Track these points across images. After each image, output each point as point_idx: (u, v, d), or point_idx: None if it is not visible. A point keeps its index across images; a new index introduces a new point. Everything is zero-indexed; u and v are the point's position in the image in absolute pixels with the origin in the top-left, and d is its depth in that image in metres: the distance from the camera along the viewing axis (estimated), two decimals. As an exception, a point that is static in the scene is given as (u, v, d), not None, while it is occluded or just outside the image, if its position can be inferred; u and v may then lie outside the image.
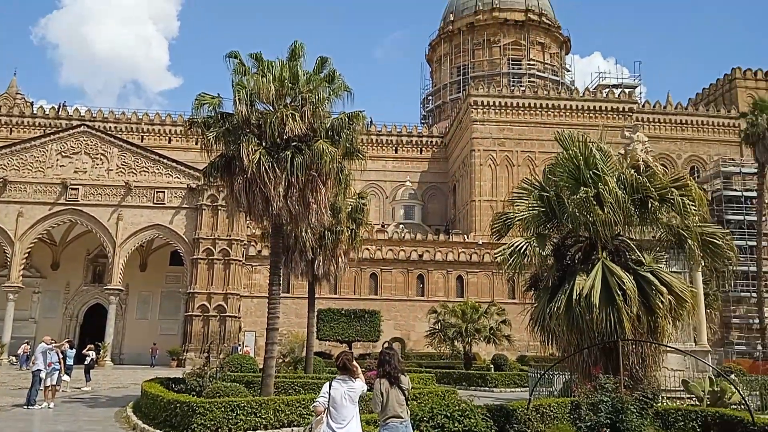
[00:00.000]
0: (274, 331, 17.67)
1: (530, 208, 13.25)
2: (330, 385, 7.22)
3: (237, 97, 15.22)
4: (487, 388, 27.79)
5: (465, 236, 52.47)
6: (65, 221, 40.04)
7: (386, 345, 37.90)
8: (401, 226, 57.62)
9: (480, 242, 49.20)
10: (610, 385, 10.63)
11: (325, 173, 15.52)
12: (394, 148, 65.74)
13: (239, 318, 41.54)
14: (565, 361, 14.01)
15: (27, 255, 39.45)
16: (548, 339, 13.89)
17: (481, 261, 48.70)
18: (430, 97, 74.91)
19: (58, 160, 39.83)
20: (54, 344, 19.23)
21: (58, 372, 18.63)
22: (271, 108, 15.77)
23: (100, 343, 36.17)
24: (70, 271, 44.37)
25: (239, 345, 39.64)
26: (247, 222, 39.53)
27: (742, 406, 14.87)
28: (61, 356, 19.24)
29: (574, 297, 12.15)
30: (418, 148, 66.50)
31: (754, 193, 48.88)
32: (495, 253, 13.88)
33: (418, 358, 40.00)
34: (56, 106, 62.94)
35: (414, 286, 49.08)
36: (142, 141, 57.73)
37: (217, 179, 17.06)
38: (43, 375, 17.72)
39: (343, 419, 7.01)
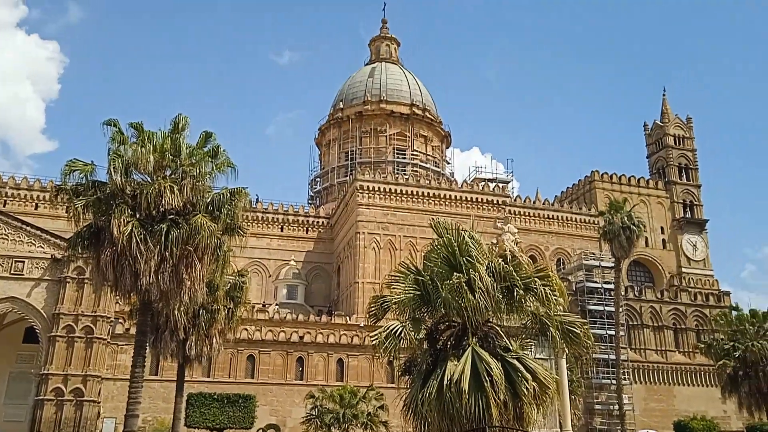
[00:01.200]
0: (134, 418, 16.37)
1: (406, 292, 13.53)
2: None
3: (112, 166, 14.66)
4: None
5: (347, 318, 52.17)
6: None
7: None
8: (280, 306, 56.37)
9: (362, 324, 49.06)
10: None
11: (202, 249, 15.07)
12: (280, 226, 65.33)
13: (99, 403, 37.91)
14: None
15: None
16: (421, 425, 13.86)
17: (362, 344, 48.34)
18: (318, 179, 76.00)
19: None
20: None
21: None
22: (149, 179, 15.30)
23: None
24: None
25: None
26: (116, 297, 37.05)
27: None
28: None
29: (446, 382, 12.33)
30: (305, 228, 66.54)
31: (612, 286, 52.97)
32: (371, 336, 13.92)
33: (305, 447, 38.20)
34: None
35: (293, 369, 47.55)
36: (4, 206, 53.32)
37: (84, 250, 16.01)
38: None
39: None
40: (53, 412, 35.32)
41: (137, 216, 15.05)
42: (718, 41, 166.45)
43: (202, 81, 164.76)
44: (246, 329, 45.26)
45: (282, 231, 65.11)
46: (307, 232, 66.46)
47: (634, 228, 47.86)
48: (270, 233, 64.55)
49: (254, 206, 63.46)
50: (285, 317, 50.45)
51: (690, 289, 63.22)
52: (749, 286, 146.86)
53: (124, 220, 14.44)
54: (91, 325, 36.94)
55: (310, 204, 73.87)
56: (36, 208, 56.52)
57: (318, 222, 67.20)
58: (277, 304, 57.86)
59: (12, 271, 36.55)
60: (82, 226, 15.44)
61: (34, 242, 37.56)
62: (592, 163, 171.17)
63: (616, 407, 50.15)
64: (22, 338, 40.28)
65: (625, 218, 48.03)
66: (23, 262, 36.90)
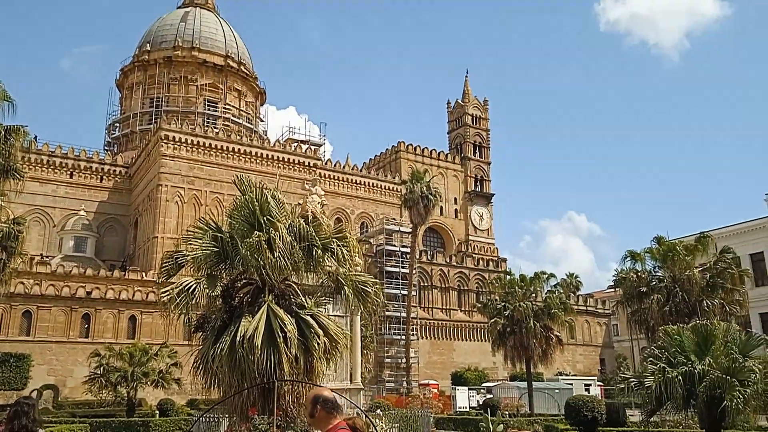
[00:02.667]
0: None
1: (203, 248, 13.25)
2: None
3: None
4: (150, 436, 26.15)
5: (143, 273, 49.43)
6: None
7: (30, 394, 33.12)
8: (65, 259, 51.62)
9: (159, 281, 46.83)
10: (263, 426, 10.90)
11: (-34, 190, 13.26)
12: (69, 172, 59.31)
13: None
14: (227, 403, 14.07)
15: None
16: (211, 381, 13.83)
17: (157, 300, 46.25)
18: (118, 124, 70.01)
19: None
20: None
21: None
22: None
23: None
24: None
25: None
26: None
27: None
28: None
29: (239, 338, 12.39)
30: (99, 176, 61.21)
31: (409, 250, 56.82)
32: (162, 292, 13.45)
33: (73, 407, 35.59)
34: None
35: (78, 327, 44.07)
36: None
37: None
38: None
39: None
40: None
41: None
42: (521, 30, 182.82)
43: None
44: (23, 283, 40.93)
45: (71, 177, 59.25)
46: (101, 181, 61.25)
47: (431, 197, 51.63)
48: (57, 179, 58.43)
49: (39, 148, 56.81)
50: (71, 271, 46.41)
51: (474, 255, 70.11)
52: (525, 254, 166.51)
53: None
54: None
55: (107, 150, 67.85)
56: None
57: (115, 171, 62.26)
58: (61, 257, 52.86)
59: None
60: None
61: None
62: (401, 134, 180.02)
63: (404, 360, 54.38)
64: None
65: (425, 188, 51.57)
66: None
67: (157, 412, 31.17)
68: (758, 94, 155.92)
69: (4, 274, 21.70)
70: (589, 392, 39.96)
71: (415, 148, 77.78)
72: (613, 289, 47.82)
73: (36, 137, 56.17)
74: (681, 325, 14.81)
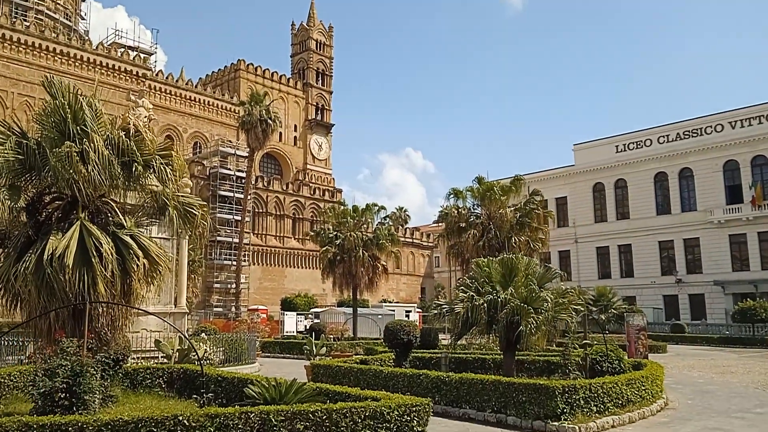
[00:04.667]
0: None
1: (4, 155, 11.76)
2: None
3: None
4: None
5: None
6: None
7: None
8: None
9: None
10: (72, 349, 10.26)
11: None
12: None
13: None
14: (31, 325, 12.99)
15: None
16: (13, 301, 12.68)
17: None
18: None
19: None
20: None
21: None
22: None
23: None
24: None
25: None
26: None
27: (206, 362, 16.71)
28: None
29: (46, 256, 11.38)
30: None
31: (244, 174, 55.41)
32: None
33: None
34: None
35: None
36: None
37: None
38: None
39: None
40: None
41: None
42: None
43: None
44: None
45: None
46: None
47: (271, 122, 50.35)
48: None
49: None
50: None
51: (311, 184, 70.43)
52: (363, 187, 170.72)
53: None
54: None
55: None
56: None
57: None
58: None
59: None
60: None
61: None
62: (242, 52, 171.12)
63: (234, 285, 53.95)
64: None
65: (264, 111, 50.06)
66: None
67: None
68: (581, 50, 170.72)
69: None
70: (408, 318, 42.93)
71: (256, 69, 74.81)
72: (437, 224, 51.01)
73: None
74: (491, 258, 16.21)
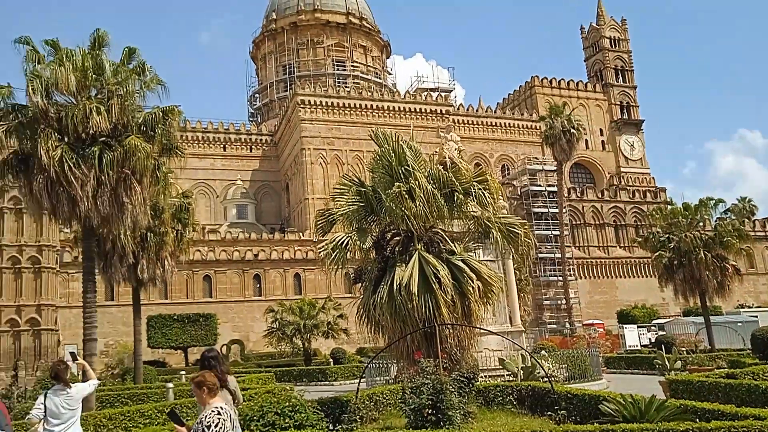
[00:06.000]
0: (93, 341, 16.34)
1: (350, 204, 13.59)
2: (45, 396, 7.44)
3: (31, 88, 13.69)
4: (327, 382, 28.01)
5: (300, 234, 52.50)
6: None
7: (220, 348, 36.68)
8: (231, 226, 56.15)
9: (315, 239, 49.55)
10: (430, 368, 11.08)
11: (140, 171, 14.56)
12: (222, 146, 63.89)
13: (57, 331, 37.77)
14: (393, 349, 14.53)
15: None
16: (375, 329, 14.34)
17: (317, 258, 49.03)
18: (257, 95, 73.83)
19: None
20: None
21: None
22: (73, 100, 14.48)
23: None
24: None
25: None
26: (59, 225, 36.11)
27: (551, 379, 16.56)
28: None
29: (395, 287, 12.67)
30: (248, 147, 65.30)
31: (555, 188, 54.57)
32: (318, 249, 14.08)
33: (258, 359, 39.31)
34: None
35: (251, 287, 48.12)
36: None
37: (13, 178, 15.28)
38: None
39: (59, 426, 7.29)
40: (11, 343, 35.19)
41: (65, 140, 14.31)
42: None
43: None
44: (199, 250, 45.14)
45: (225, 150, 63.79)
46: (251, 151, 65.31)
47: (574, 131, 48.87)
48: (213, 153, 63.21)
49: (194, 126, 61.63)
50: (237, 236, 50.39)
51: (629, 188, 65.82)
52: (690, 182, 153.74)
53: (51, 145, 13.70)
54: (38, 255, 36.17)
55: (252, 121, 72.08)
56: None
57: (261, 140, 66.00)
58: (228, 225, 57.56)
59: (-57, 206, 34.99)
60: (8, 153, 14.67)
61: (-39, 175, 35.70)
62: (533, 68, 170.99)
63: (564, 301, 53.03)
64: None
65: (565, 122, 48.87)
66: (-46, 195, 35.30)
67: (331, 360, 33.40)
68: None
69: (182, 244, 23.93)
70: (775, 323, 36.40)
71: (551, 81, 73.81)
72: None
73: (186, 117, 61.00)
74: None
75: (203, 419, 5.13)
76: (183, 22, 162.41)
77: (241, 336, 45.12)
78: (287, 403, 9.94)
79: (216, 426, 5.05)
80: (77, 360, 8.51)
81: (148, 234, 21.20)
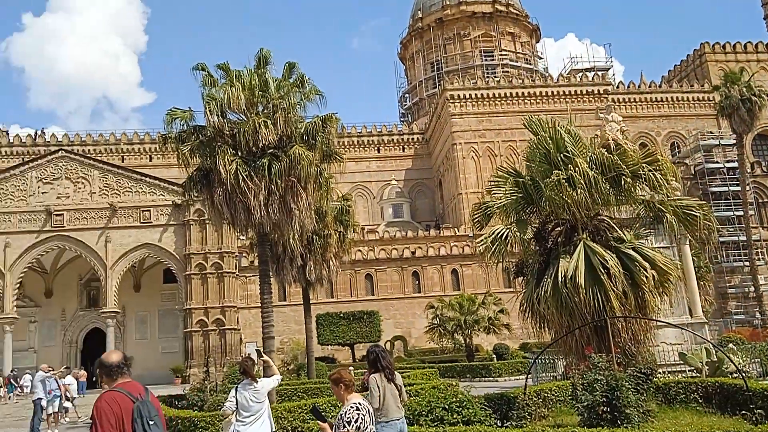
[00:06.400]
0: (271, 339, 17.71)
1: (507, 195, 13.32)
2: (236, 390, 7.96)
3: (208, 109, 15.21)
4: (491, 378, 27.85)
5: (456, 230, 52.65)
6: (53, 248, 39.78)
7: (384, 345, 37.90)
8: (388, 225, 57.74)
9: (471, 234, 49.37)
10: (603, 364, 10.58)
11: (305, 178, 15.55)
12: (376, 147, 65.90)
13: (239, 330, 41.45)
14: (559, 344, 14.05)
15: (19, 285, 39.09)
16: (540, 323, 13.95)
17: (474, 253, 48.83)
18: (407, 95, 75.14)
19: (39, 187, 39.54)
20: (51, 372, 19.21)
21: (59, 399, 18.63)
22: (243, 117, 15.81)
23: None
24: (64, 298, 44.17)
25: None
26: (236, 233, 39.53)
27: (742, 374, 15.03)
28: (60, 383, 19.29)
29: (560, 279, 12.21)
30: (401, 146, 66.69)
31: (736, 164, 49.26)
32: (477, 243, 13.94)
33: (420, 354, 40.07)
34: (33, 134, 62.57)
35: (410, 284, 49.16)
36: (122, 161, 57.56)
37: (198, 193, 17.05)
38: (44, 403, 17.64)
39: (249, 417, 7.79)
40: (201, 341, 39.18)
41: (239, 154, 15.71)
42: None
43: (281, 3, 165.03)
44: (360, 250, 46.97)
45: (379, 152, 65.75)
46: (403, 150, 66.66)
47: (755, 99, 43.88)
48: (368, 156, 65.40)
49: (349, 131, 64.23)
50: (395, 235, 51.73)
51: (827, 157, 57.55)
52: None
53: (228, 160, 15.10)
54: (219, 261, 39.87)
55: (403, 121, 73.55)
56: (150, 160, 60.55)
57: (413, 138, 67.08)
58: (385, 224, 59.29)
59: (141, 220, 39.87)
60: (192, 170, 16.39)
61: (155, 191, 40.50)
62: (700, 35, 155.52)
63: (752, 289, 47.79)
64: (162, 279, 44.34)
65: (744, 89, 44.05)
66: (149, 210, 40.05)
67: (494, 356, 33.16)
68: None
69: (345, 245, 25.14)
70: None
71: (724, 46, 66.56)
72: None
73: (343, 124, 63.84)
74: None
75: (343, 415, 5.29)
76: (334, 30, 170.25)
77: (403, 332, 46.23)
78: (454, 399, 9.99)
79: (356, 421, 5.20)
80: (262, 357, 9.22)
81: (314, 237, 22.51)
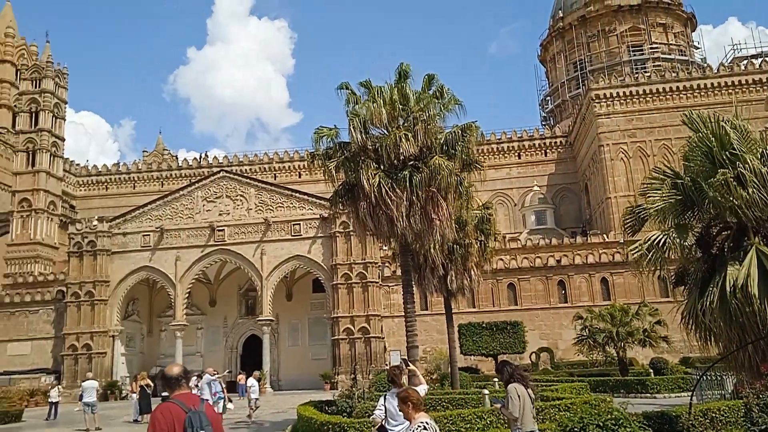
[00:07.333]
0: (415, 348, 17.92)
1: (664, 198, 12.36)
2: (385, 398, 8.11)
3: (352, 126, 15.84)
4: (648, 395, 26.00)
5: (604, 236, 50.00)
6: (216, 261, 43.50)
7: (530, 357, 36.82)
8: (530, 233, 56.14)
9: (622, 240, 46.57)
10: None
11: (445, 188, 15.62)
12: (516, 153, 64.53)
13: (383, 338, 42.40)
14: (728, 360, 12.81)
15: (188, 295, 43.27)
16: (705, 337, 12.81)
17: (625, 260, 45.93)
18: (549, 98, 72.90)
19: (204, 205, 43.53)
20: (217, 375, 20.83)
21: (222, 400, 20.12)
22: (385, 131, 16.25)
23: (259, 371, 38.60)
24: (226, 307, 48.02)
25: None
26: (379, 244, 40.55)
27: None
28: (224, 386, 20.86)
29: (728, 288, 11.14)
30: (542, 151, 64.72)
31: None
32: (630, 250, 13.06)
33: (568, 367, 38.38)
34: (197, 156, 69.44)
35: (555, 293, 47.33)
36: (275, 179, 61.55)
37: (343, 206, 17.76)
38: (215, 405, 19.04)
39: (398, 426, 7.82)
40: (348, 349, 40.62)
41: (381, 167, 16.16)
42: None
43: (420, 13, 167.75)
44: (501, 259, 46.12)
45: (520, 158, 64.30)
46: (545, 155, 64.62)
47: None
48: (508, 162, 64.22)
49: (488, 138, 63.52)
50: (538, 243, 50.22)
51: None
52: None
53: (371, 174, 15.60)
54: (364, 272, 41.18)
55: (544, 125, 71.42)
56: (299, 176, 64.19)
57: (555, 142, 64.87)
58: (527, 232, 57.79)
59: (292, 233, 42.47)
60: (338, 185, 17.13)
61: (304, 206, 42.95)
62: None
63: None
64: (311, 289, 46.65)
65: None
66: (299, 224, 42.54)
67: (651, 370, 30.87)
68: None
69: (486, 254, 24.77)
70: None
71: None
72: None
73: (483, 132, 63.34)
74: None
75: None
76: (471, 36, 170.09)
77: (549, 344, 44.53)
78: (609, 416, 9.40)
79: None
80: (409, 366, 9.34)
81: (455, 246, 22.40)
